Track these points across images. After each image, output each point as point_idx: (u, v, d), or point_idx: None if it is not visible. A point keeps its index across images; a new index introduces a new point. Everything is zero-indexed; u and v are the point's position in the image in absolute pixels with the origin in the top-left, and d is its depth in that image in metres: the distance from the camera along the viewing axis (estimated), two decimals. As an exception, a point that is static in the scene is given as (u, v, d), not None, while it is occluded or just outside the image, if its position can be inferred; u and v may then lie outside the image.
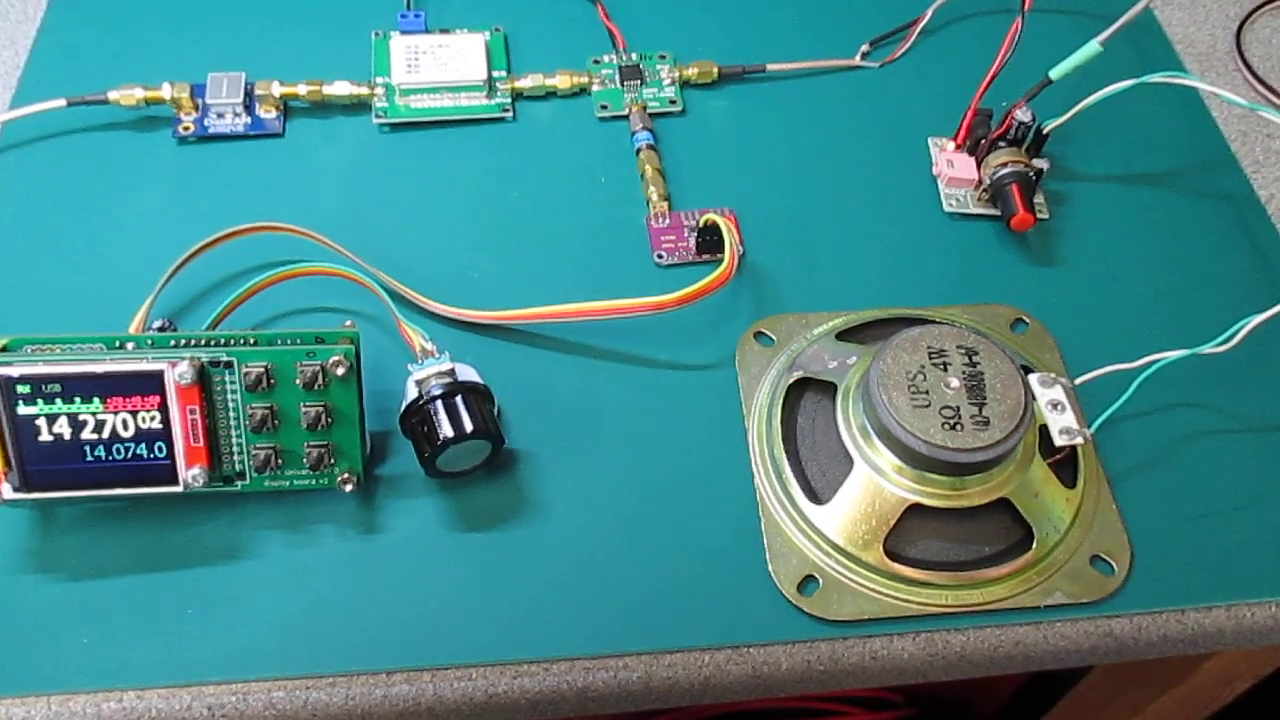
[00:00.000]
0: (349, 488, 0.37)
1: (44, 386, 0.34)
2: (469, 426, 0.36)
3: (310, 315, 0.43)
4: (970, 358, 0.37)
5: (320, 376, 0.35)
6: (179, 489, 0.35)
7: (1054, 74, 0.45)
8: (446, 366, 0.38)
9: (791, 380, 0.41)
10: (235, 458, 0.36)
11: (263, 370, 0.35)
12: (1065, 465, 0.39)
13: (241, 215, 0.45)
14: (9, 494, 0.35)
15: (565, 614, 0.36)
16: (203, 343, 0.36)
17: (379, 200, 0.47)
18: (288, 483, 0.37)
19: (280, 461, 0.36)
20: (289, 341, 0.36)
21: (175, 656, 0.35)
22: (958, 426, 0.36)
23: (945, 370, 0.37)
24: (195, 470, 0.35)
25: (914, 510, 0.37)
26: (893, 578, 0.37)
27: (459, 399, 0.36)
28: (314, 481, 0.37)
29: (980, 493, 0.37)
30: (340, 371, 0.35)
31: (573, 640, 0.36)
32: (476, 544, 0.38)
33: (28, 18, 0.54)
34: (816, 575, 0.37)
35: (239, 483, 0.37)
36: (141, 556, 0.37)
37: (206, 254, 0.42)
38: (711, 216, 0.43)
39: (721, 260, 0.43)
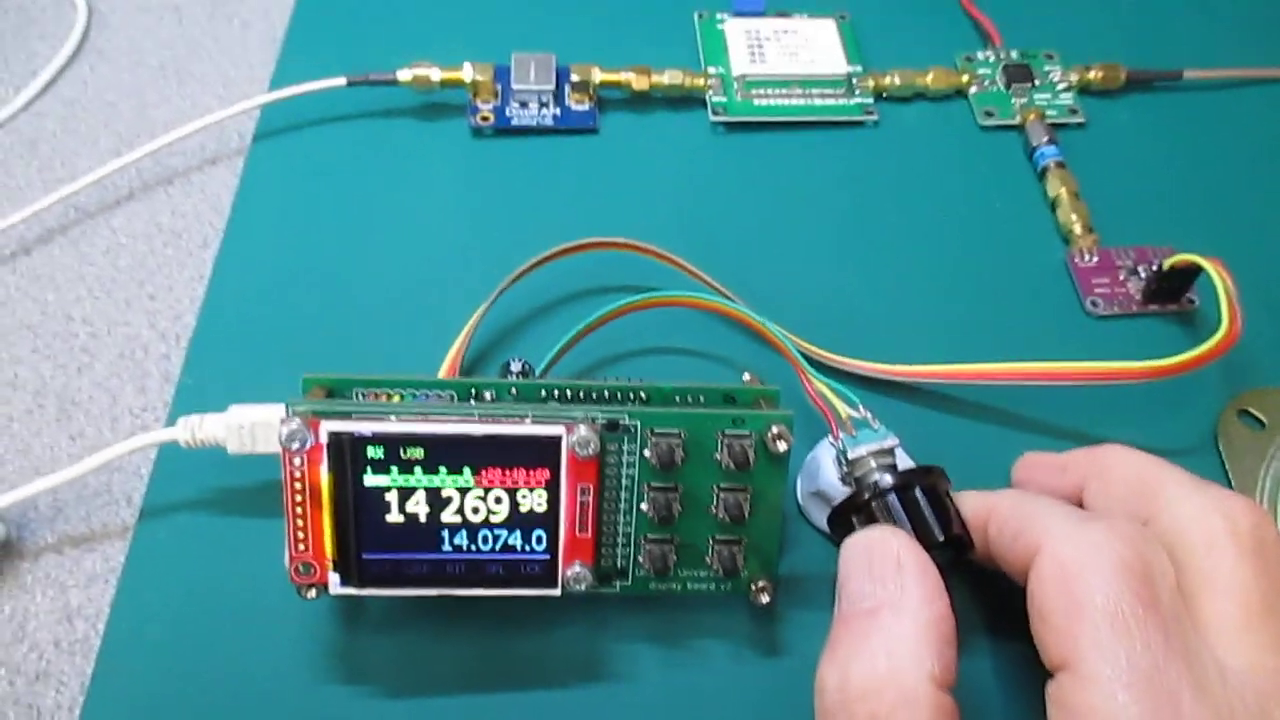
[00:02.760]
0: (765, 599, 0.28)
1: (402, 451, 0.25)
2: (939, 534, 0.26)
3: (657, 358, 0.34)
4: None
5: (751, 452, 0.26)
6: (555, 593, 0.26)
7: None
8: (889, 443, 0.28)
9: (1318, 479, 0.30)
10: (619, 551, 0.27)
11: (675, 440, 0.26)
12: None
13: (551, 225, 0.36)
14: (336, 589, 0.26)
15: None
16: (583, 397, 0.27)
17: (719, 216, 0.38)
18: (680, 586, 0.28)
19: (676, 559, 0.27)
20: (696, 401, 0.27)
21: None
22: None
23: None
24: (577, 568, 0.26)
25: None
26: None
27: (919, 493, 0.27)
28: (717, 587, 0.28)
29: None
30: (781, 447, 0.26)
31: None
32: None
33: (282, -16, 0.46)
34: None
35: (617, 582, 0.28)
36: (476, 668, 0.28)
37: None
38: (1188, 258, 0.33)
39: (1179, 311, 0.35)
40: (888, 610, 0.22)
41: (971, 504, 0.26)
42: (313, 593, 0.26)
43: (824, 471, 0.29)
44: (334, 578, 0.26)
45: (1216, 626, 0.21)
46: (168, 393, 0.34)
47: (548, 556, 0.26)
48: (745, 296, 0.33)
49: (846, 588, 0.24)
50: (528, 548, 0.26)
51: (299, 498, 0.25)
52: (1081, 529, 0.22)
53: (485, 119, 0.39)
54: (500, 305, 0.33)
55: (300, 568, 0.26)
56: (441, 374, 0.31)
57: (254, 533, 0.30)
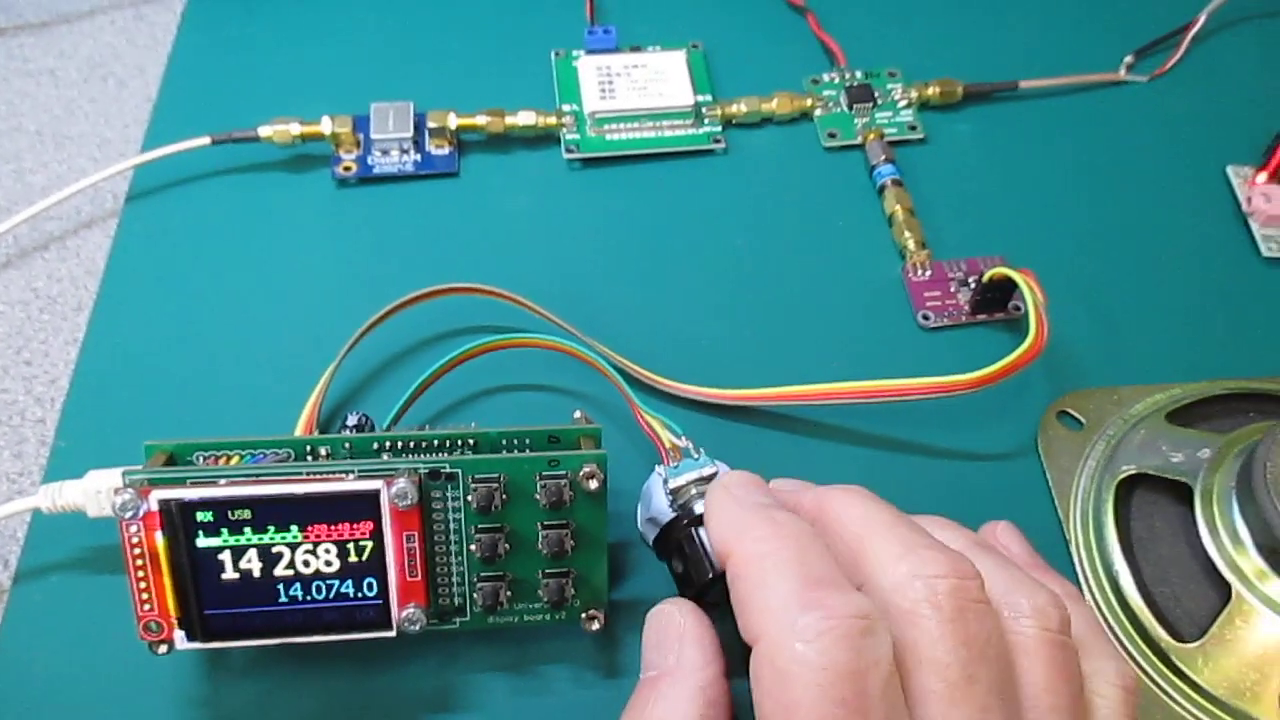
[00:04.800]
0: (595, 626, 0.29)
1: (230, 513, 0.26)
2: (710, 571, 0.28)
3: (509, 396, 0.36)
4: (1384, 456, 0.29)
5: (566, 491, 0.28)
6: (391, 634, 0.28)
7: None
8: (709, 470, 0.30)
9: (1123, 476, 0.32)
10: (454, 590, 0.29)
11: (495, 485, 0.28)
12: None
13: (413, 269, 0.38)
14: (182, 645, 0.27)
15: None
16: (414, 447, 0.29)
17: (575, 250, 0.40)
18: (516, 619, 0.29)
19: (510, 594, 0.29)
20: (522, 444, 0.29)
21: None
22: (1388, 551, 0.27)
23: (1355, 473, 0.29)
24: (410, 610, 0.28)
25: (1316, 654, 0.29)
26: (1292, 741, 0.29)
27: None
28: (550, 617, 0.29)
29: (1400, 631, 0.29)
30: (593, 486, 0.28)
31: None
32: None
33: (157, 41, 0.47)
34: (1191, 738, 0.29)
35: (457, 619, 0.29)
36: (333, 707, 0.30)
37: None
38: (1003, 271, 0.35)
39: (1006, 319, 0.37)
40: (666, 679, 0.25)
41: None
42: (163, 649, 0.28)
43: (655, 499, 0.31)
44: (180, 634, 0.27)
45: (924, 705, 0.22)
46: (44, 456, 0.35)
47: (380, 601, 0.28)
48: (596, 329, 0.35)
49: (643, 656, 0.26)
50: (360, 594, 0.28)
51: (139, 561, 0.27)
52: (795, 626, 0.21)
53: (348, 169, 0.41)
54: (358, 356, 0.35)
55: (149, 626, 0.27)
56: (299, 429, 0.33)
57: (123, 590, 0.31)
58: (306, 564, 0.27)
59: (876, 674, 0.21)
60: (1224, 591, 0.30)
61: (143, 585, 0.27)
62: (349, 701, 0.30)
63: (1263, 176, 0.40)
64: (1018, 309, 0.37)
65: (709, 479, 0.30)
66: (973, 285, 0.37)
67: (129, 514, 0.26)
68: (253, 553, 0.27)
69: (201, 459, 0.29)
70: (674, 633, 0.26)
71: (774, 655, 0.21)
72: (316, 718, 0.30)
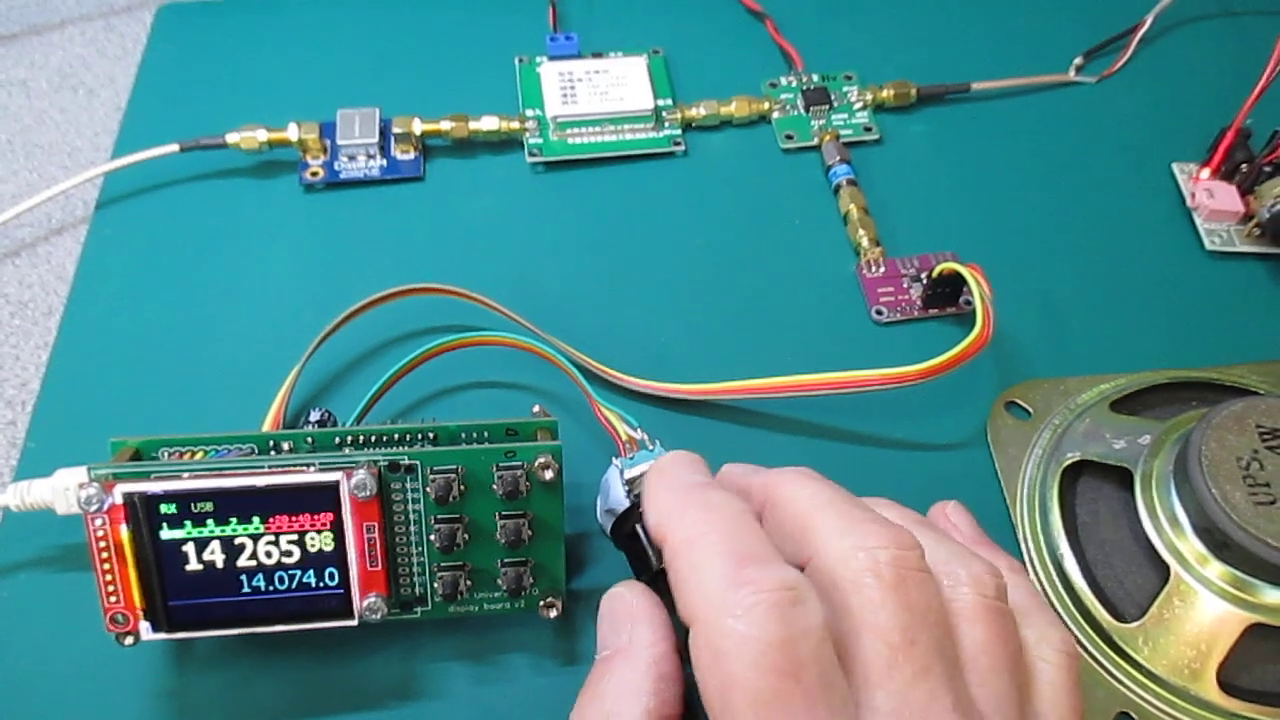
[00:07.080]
0: (553, 614, 0.30)
1: (193, 506, 0.27)
2: (656, 561, 0.29)
3: (472, 393, 0.36)
4: (1312, 439, 0.30)
5: (522, 482, 0.28)
6: (353, 623, 0.29)
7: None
8: (663, 461, 0.31)
9: (1068, 463, 0.33)
10: (415, 580, 0.30)
11: (453, 476, 0.28)
12: None
13: (380, 272, 0.39)
14: (148, 635, 0.28)
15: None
16: (375, 441, 0.29)
17: (538, 251, 0.40)
18: (477, 607, 0.30)
19: (470, 583, 0.29)
20: (480, 437, 0.30)
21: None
22: (1316, 530, 0.28)
23: (1285, 455, 0.30)
24: (372, 599, 0.28)
25: (1252, 631, 0.30)
26: (1229, 716, 0.30)
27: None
28: (509, 605, 0.30)
29: (1332, 608, 0.30)
30: (548, 476, 0.28)
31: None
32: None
33: (126, 52, 0.48)
34: (1132, 713, 0.30)
35: (418, 609, 0.30)
36: (298, 697, 0.31)
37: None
38: (951, 266, 0.36)
39: (957, 314, 0.38)
40: (619, 657, 0.26)
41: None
42: (129, 640, 0.28)
43: (613, 490, 0.32)
44: (145, 625, 0.28)
45: (867, 668, 0.22)
46: (14, 458, 0.36)
47: (341, 591, 0.28)
48: (559, 327, 0.36)
49: (597, 638, 0.27)
50: (322, 584, 0.28)
51: (105, 554, 0.27)
52: (727, 603, 0.22)
53: (315, 174, 0.42)
54: (325, 356, 0.36)
55: (115, 618, 0.28)
56: (265, 428, 0.34)
57: (91, 586, 0.32)
58: (269, 555, 0.28)
59: (806, 642, 0.21)
60: (1163, 573, 0.31)
61: (108, 577, 0.28)
62: (314, 691, 0.31)
63: (1206, 173, 0.41)
64: (968, 303, 0.38)
65: (663, 469, 0.31)
66: (924, 281, 0.38)
67: (94, 507, 0.27)
68: (216, 544, 0.27)
69: (166, 454, 0.29)
70: (625, 613, 0.27)
71: (709, 634, 0.22)
72: (282, 707, 0.30)
